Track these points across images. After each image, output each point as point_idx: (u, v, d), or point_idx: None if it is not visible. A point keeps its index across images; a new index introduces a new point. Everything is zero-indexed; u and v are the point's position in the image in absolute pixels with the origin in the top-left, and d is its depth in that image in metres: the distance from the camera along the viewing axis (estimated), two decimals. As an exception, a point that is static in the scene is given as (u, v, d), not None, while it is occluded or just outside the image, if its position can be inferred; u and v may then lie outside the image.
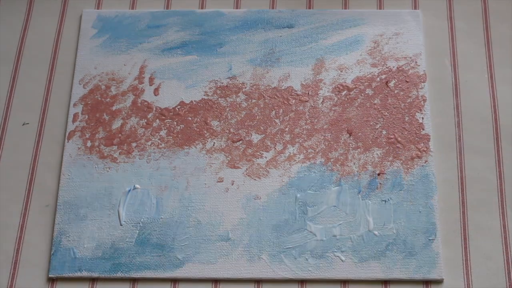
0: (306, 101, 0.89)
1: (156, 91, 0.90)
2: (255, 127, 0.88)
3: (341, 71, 0.90)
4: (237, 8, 0.96)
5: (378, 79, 0.90)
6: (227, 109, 0.89)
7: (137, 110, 0.89)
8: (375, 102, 0.89)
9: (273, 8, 0.96)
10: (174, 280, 0.81)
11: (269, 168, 0.86)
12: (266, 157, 0.86)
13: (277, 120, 0.88)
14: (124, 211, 0.84)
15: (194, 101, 0.90)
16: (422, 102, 0.88)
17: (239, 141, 0.87)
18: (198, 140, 0.87)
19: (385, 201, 0.83)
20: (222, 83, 0.90)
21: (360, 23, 0.93)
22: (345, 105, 0.89)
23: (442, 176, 0.85)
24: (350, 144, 0.86)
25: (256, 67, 0.91)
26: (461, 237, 0.83)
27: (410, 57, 0.91)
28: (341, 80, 0.90)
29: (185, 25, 0.94)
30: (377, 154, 0.86)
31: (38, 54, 0.94)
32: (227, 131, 0.88)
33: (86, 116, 0.89)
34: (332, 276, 0.81)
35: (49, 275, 0.81)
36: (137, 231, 0.83)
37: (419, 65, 0.90)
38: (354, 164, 0.85)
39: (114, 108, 0.89)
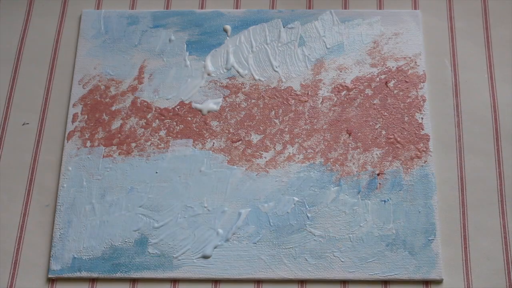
0: (305, 101, 0.89)
1: (155, 91, 0.90)
2: (255, 127, 0.88)
3: (341, 71, 0.90)
4: (237, 8, 0.96)
5: (378, 79, 0.90)
6: (227, 109, 0.89)
7: (136, 110, 0.89)
8: (375, 102, 0.89)
9: (273, 8, 0.95)
10: (174, 280, 0.82)
11: (269, 168, 0.86)
12: (265, 157, 0.86)
13: (276, 120, 0.88)
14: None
15: (194, 101, 0.90)
16: (421, 102, 0.88)
17: (238, 141, 0.87)
18: (198, 140, 0.87)
19: (385, 201, 0.83)
20: (221, 83, 0.90)
21: (360, 23, 0.93)
22: (345, 105, 0.89)
23: (442, 176, 0.85)
24: (350, 144, 0.86)
25: (255, 67, 0.91)
26: (461, 237, 0.83)
27: (410, 57, 0.91)
28: (340, 80, 0.90)
29: (184, 25, 0.94)
30: (376, 154, 0.86)
31: (38, 54, 0.94)
32: (227, 131, 0.88)
33: (86, 116, 0.89)
34: (332, 277, 0.81)
35: (49, 276, 0.82)
36: (137, 231, 0.83)
37: (418, 65, 0.90)
38: (353, 164, 0.85)
39: (113, 108, 0.89)
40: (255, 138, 0.87)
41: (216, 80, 0.91)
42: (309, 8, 0.95)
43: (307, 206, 0.84)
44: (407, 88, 0.89)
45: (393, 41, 0.92)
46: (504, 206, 0.84)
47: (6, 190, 0.86)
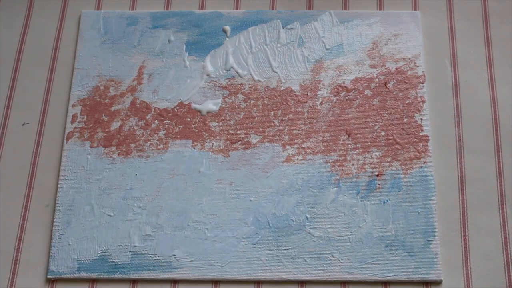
0: (305, 102, 0.89)
1: (154, 92, 0.90)
2: (254, 128, 0.88)
3: (340, 72, 0.90)
4: (236, 8, 0.95)
5: (377, 80, 0.90)
6: (226, 110, 0.89)
7: (135, 111, 0.89)
8: (374, 103, 0.88)
9: (273, 8, 0.95)
10: (173, 281, 0.82)
11: (268, 169, 0.86)
12: (264, 158, 0.86)
13: (275, 121, 0.88)
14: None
15: (193, 102, 0.90)
16: (421, 103, 0.88)
17: (237, 142, 0.87)
18: (197, 141, 0.87)
19: (384, 202, 0.83)
20: (221, 84, 0.90)
21: (360, 24, 0.93)
22: (344, 106, 0.88)
23: (442, 177, 0.85)
24: (349, 145, 0.86)
25: (255, 68, 0.91)
26: (460, 237, 0.83)
27: (409, 58, 0.91)
28: (340, 81, 0.90)
29: (184, 26, 0.94)
30: (376, 155, 0.86)
31: (38, 54, 0.94)
32: (226, 132, 0.88)
33: (85, 117, 0.89)
34: (331, 277, 0.81)
35: (48, 276, 0.82)
36: (136, 232, 0.83)
37: (418, 66, 0.90)
38: (353, 165, 0.85)
39: (112, 109, 0.89)
40: (254, 138, 0.87)
41: (216, 81, 0.91)
42: (309, 8, 0.95)
43: (306, 207, 0.84)
44: (407, 89, 0.89)
45: (393, 42, 0.92)
46: (504, 206, 0.84)
47: (6, 190, 0.86)
